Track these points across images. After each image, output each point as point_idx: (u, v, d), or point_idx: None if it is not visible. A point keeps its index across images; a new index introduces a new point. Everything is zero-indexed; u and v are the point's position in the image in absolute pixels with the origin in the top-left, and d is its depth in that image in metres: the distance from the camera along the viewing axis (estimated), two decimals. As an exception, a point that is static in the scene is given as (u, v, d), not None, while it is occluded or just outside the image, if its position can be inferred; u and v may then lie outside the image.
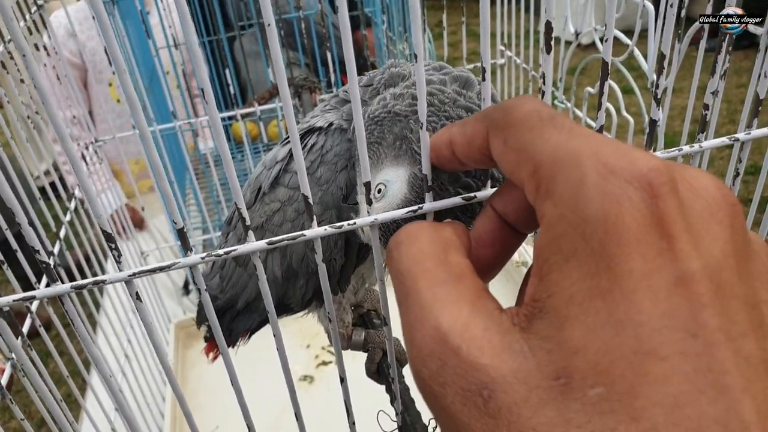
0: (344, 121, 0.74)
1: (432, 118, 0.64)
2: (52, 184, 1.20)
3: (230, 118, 1.62)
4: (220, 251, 0.53)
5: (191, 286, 1.98)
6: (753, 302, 0.27)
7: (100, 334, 1.51)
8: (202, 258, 0.53)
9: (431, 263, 0.34)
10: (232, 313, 0.91)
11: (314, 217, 0.54)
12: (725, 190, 0.30)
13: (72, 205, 1.24)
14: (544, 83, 0.53)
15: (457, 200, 0.56)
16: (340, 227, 0.55)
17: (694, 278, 0.26)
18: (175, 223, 0.50)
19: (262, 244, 0.53)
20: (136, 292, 0.53)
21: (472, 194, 0.55)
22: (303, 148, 0.79)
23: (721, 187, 0.30)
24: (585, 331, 0.26)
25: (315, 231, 0.55)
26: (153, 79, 1.74)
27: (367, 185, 0.53)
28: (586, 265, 0.27)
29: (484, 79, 0.51)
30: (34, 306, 0.99)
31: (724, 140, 0.59)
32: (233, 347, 0.94)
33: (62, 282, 0.51)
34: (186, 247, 0.52)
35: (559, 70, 1.39)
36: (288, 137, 0.85)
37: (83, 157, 1.38)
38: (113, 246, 0.50)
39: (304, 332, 1.83)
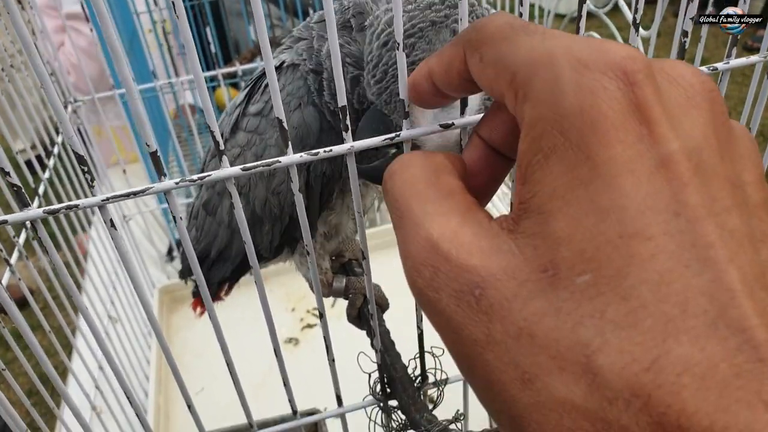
0: (297, 57, 0.74)
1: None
2: (38, 157, 1.18)
3: (212, 78, 1.60)
4: (194, 177, 0.53)
5: (175, 253, 1.97)
6: (736, 182, 0.28)
7: (84, 297, 1.51)
8: (177, 183, 0.52)
9: (423, 185, 0.35)
10: (208, 263, 0.91)
11: (289, 143, 0.53)
12: (703, 77, 0.30)
13: (51, 162, 1.22)
14: (521, 4, 0.52)
15: (435, 127, 0.56)
16: (317, 154, 0.55)
17: (674, 159, 0.26)
18: (148, 146, 0.50)
19: (237, 170, 0.53)
20: (110, 219, 0.53)
21: (449, 122, 0.55)
22: (258, 90, 0.80)
23: (698, 74, 0.30)
24: (569, 222, 0.26)
25: (290, 158, 0.54)
26: (133, 39, 1.72)
27: (343, 109, 0.53)
28: (566, 159, 0.27)
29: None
30: (13, 263, 0.98)
31: (703, 69, 0.59)
32: (213, 299, 0.94)
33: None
34: (159, 172, 0.52)
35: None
36: (249, 83, 0.84)
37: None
38: (86, 169, 0.49)
39: (289, 296, 1.83)
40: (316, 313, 1.76)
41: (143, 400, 1.54)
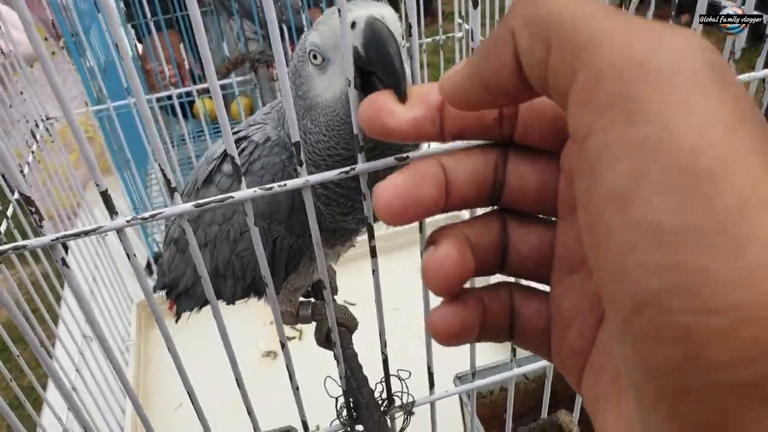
0: (274, 131, 0.75)
1: None
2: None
3: (187, 94, 1.60)
4: (146, 214, 0.52)
5: (154, 267, 1.96)
6: None
7: (60, 325, 1.49)
8: (128, 221, 0.52)
9: None
10: (176, 292, 0.91)
11: (242, 179, 0.53)
12: None
13: (15, 195, 1.21)
14: (472, 39, 0.52)
15: (389, 161, 0.56)
16: (270, 188, 0.55)
17: None
18: (98, 185, 0.49)
19: (189, 206, 0.53)
20: (62, 258, 0.52)
21: (404, 155, 0.55)
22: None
23: None
24: None
25: (244, 193, 0.54)
26: (109, 56, 1.71)
27: (296, 145, 0.53)
28: None
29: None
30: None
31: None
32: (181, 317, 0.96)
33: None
34: (111, 211, 0.51)
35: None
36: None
37: (33, 135, 1.35)
38: (33, 210, 0.49)
39: (267, 309, 1.82)
40: (295, 326, 1.77)
41: (120, 419, 1.52)
